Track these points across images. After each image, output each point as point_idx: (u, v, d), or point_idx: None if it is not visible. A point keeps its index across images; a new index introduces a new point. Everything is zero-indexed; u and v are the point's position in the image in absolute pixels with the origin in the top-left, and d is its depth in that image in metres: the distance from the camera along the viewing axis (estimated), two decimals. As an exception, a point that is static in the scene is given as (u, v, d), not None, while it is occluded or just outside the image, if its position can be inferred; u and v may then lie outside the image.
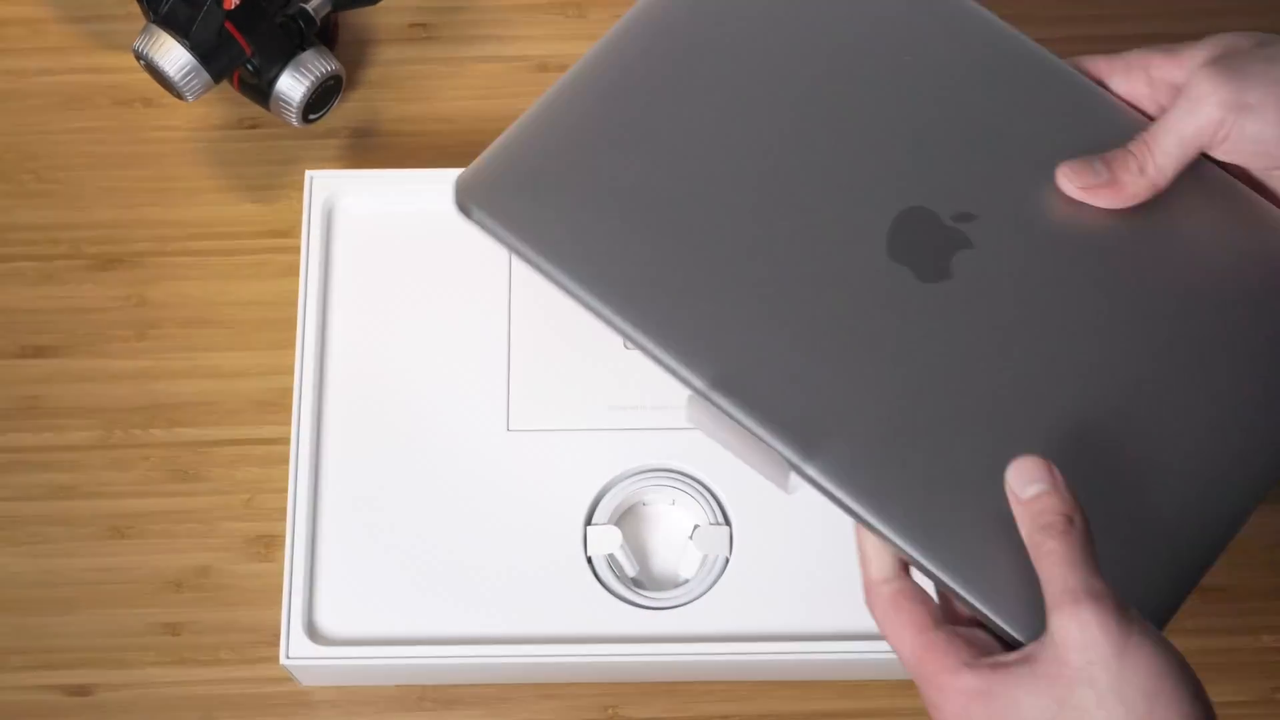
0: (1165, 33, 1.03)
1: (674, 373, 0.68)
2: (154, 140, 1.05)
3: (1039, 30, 1.05)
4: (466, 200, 0.71)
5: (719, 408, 0.66)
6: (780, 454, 0.67)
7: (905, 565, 0.67)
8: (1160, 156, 0.72)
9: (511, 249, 0.69)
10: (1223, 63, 0.71)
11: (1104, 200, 0.72)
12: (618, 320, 0.68)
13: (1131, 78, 0.75)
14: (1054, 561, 0.62)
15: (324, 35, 1.02)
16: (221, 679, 0.94)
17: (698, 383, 0.67)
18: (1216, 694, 0.92)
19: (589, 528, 0.89)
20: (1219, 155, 0.73)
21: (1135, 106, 0.76)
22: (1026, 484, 0.64)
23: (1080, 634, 0.61)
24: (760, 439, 0.67)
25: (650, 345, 0.68)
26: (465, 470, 0.92)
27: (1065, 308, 0.70)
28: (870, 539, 0.67)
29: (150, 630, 0.94)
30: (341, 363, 0.95)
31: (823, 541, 0.90)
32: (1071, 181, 0.72)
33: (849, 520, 0.91)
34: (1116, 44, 1.04)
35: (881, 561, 0.67)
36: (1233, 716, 0.91)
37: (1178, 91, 0.73)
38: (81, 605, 0.95)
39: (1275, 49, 0.71)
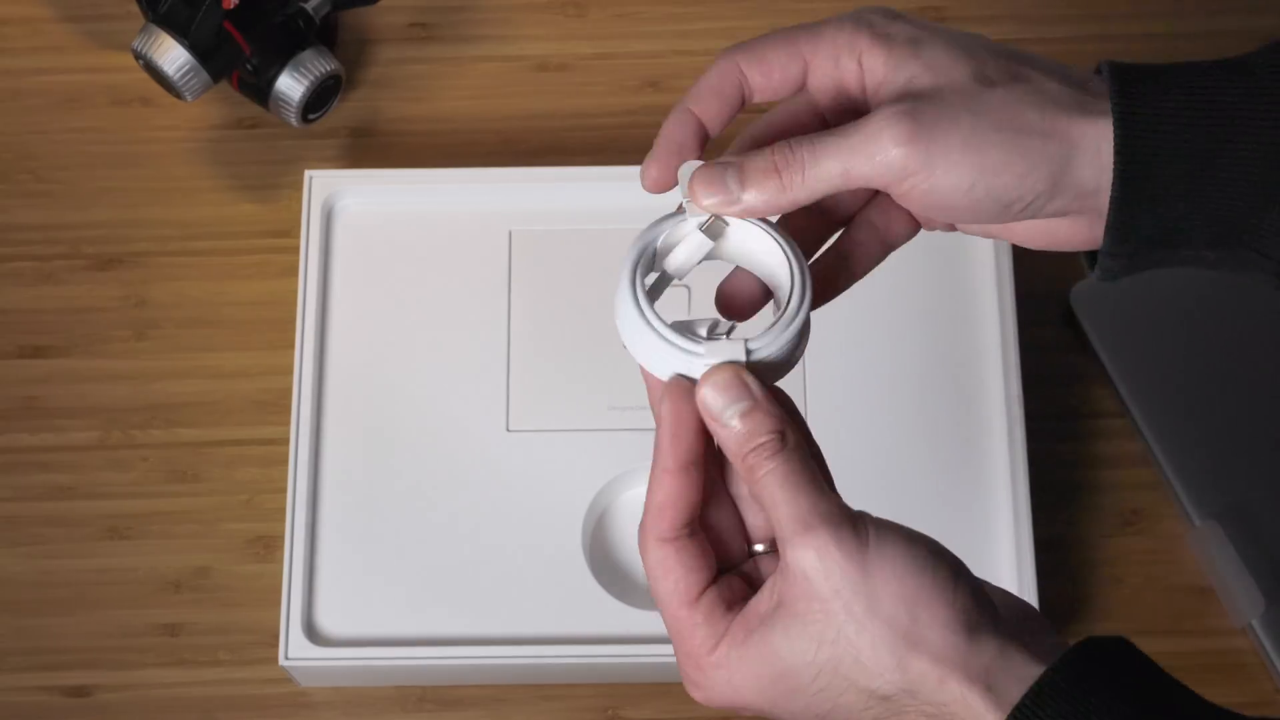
0: (1166, 31, 1.03)
1: None
2: (153, 140, 1.04)
3: (1036, 30, 1.06)
4: None
5: None
6: None
7: (692, 522, 0.60)
8: (814, 181, 0.60)
9: None
10: (916, 111, 0.59)
11: (728, 212, 0.62)
12: None
13: (842, 74, 0.63)
14: (773, 486, 0.58)
15: (323, 35, 1.02)
16: (220, 680, 0.93)
17: None
18: (1217, 694, 0.92)
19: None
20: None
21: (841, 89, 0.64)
22: (725, 406, 0.58)
23: (820, 562, 0.56)
24: None
25: None
26: (465, 471, 0.92)
27: None
28: (668, 482, 0.60)
29: (149, 631, 0.94)
30: (341, 363, 0.95)
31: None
32: (699, 195, 0.61)
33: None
34: (1116, 43, 1.04)
35: (674, 513, 0.60)
36: (1233, 717, 0.91)
37: (884, 72, 0.62)
38: (80, 606, 0.95)
39: (976, 85, 0.60)
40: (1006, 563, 0.90)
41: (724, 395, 0.59)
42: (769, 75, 0.63)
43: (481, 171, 0.98)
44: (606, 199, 0.97)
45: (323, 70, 0.99)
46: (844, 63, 0.62)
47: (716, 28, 1.06)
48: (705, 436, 0.60)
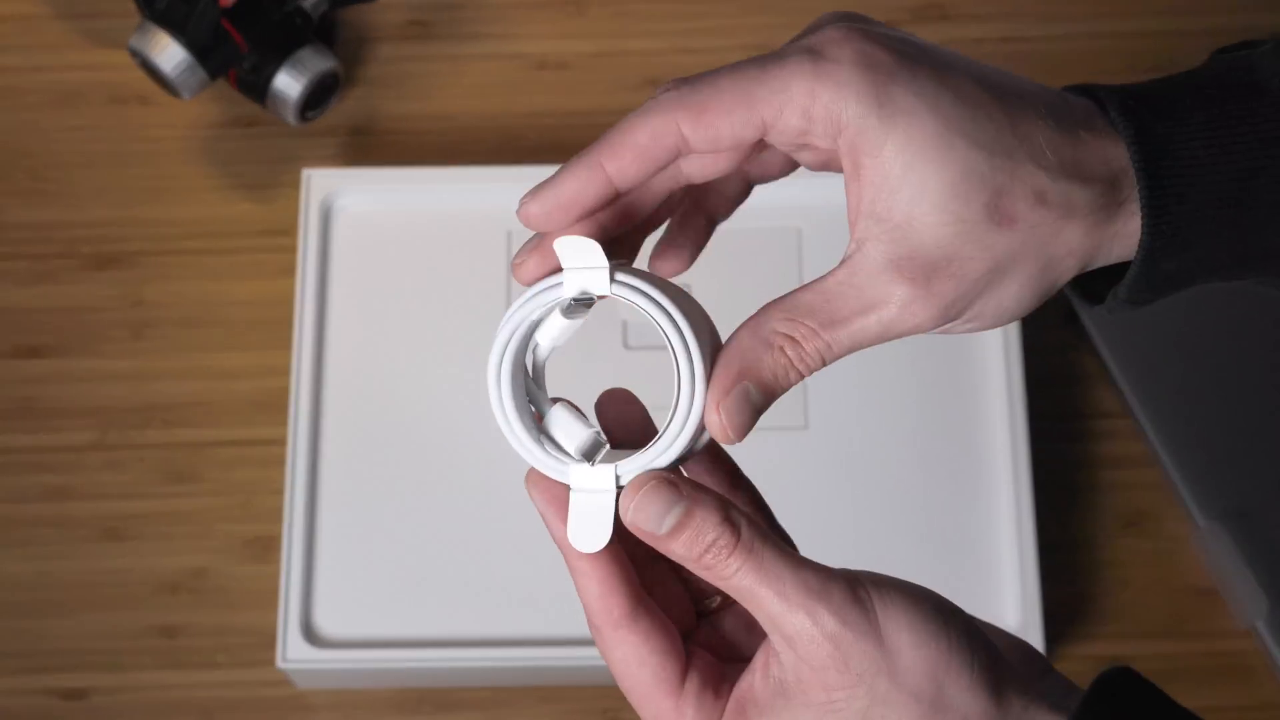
0: (1166, 29, 1.03)
1: None
2: (150, 138, 1.04)
3: (1036, 28, 1.05)
4: None
5: None
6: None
7: (638, 594, 0.54)
8: (835, 356, 0.54)
9: None
10: (920, 265, 0.52)
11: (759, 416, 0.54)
12: None
13: (812, 136, 0.53)
14: (749, 582, 0.52)
15: (322, 33, 1.01)
16: (218, 682, 0.93)
17: None
18: (1219, 696, 0.92)
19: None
20: None
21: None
22: (661, 519, 0.52)
23: (835, 648, 0.51)
24: None
25: None
26: (462, 471, 0.92)
27: None
28: (594, 567, 0.54)
29: (146, 633, 0.94)
30: (339, 363, 0.94)
31: (822, 542, 0.90)
32: (730, 431, 0.53)
33: (848, 521, 0.91)
34: (1115, 40, 1.03)
35: (619, 595, 0.54)
36: (1235, 719, 0.91)
37: (874, 174, 0.52)
38: (77, 608, 0.94)
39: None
40: (1010, 564, 0.89)
41: (647, 511, 0.52)
42: (715, 134, 0.53)
43: (480, 170, 0.98)
44: (606, 198, 0.96)
45: (321, 68, 0.99)
46: (791, 115, 0.52)
47: (716, 26, 1.06)
48: None
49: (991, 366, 0.93)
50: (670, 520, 0.52)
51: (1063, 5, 1.05)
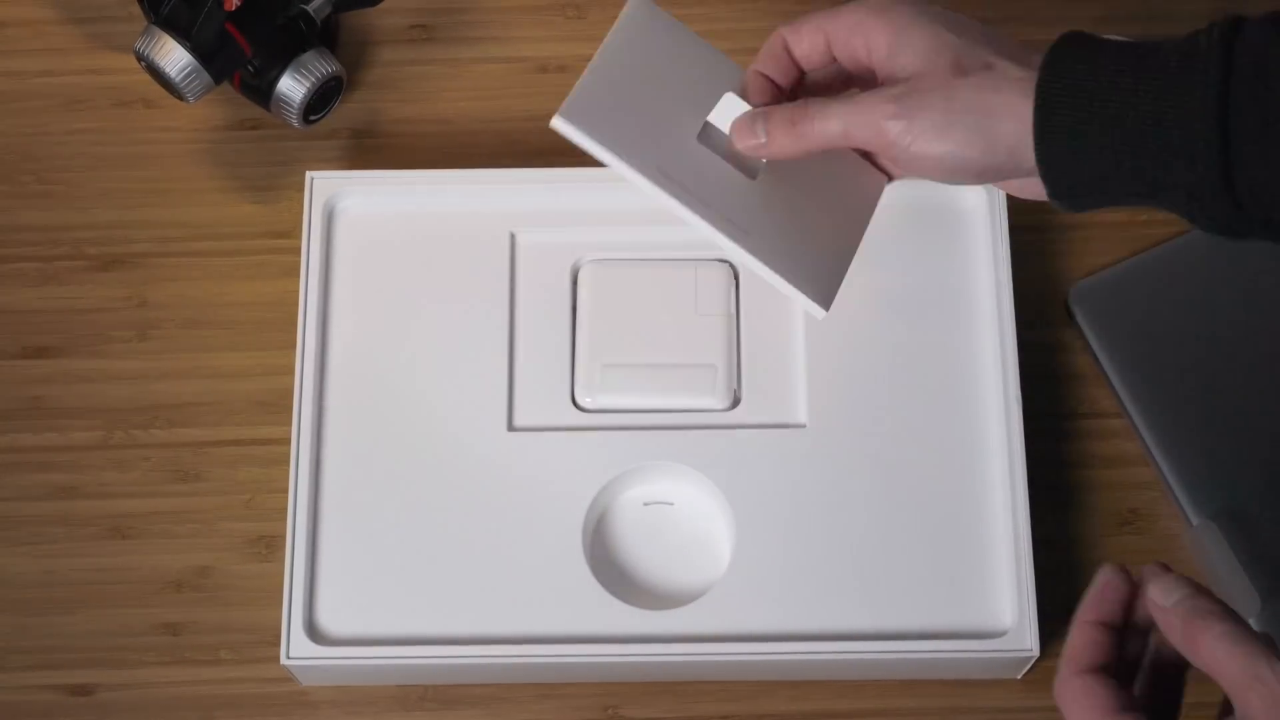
0: (1166, 34, 1.03)
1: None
2: (155, 141, 1.05)
3: (1037, 32, 1.06)
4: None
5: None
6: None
7: (1100, 661, 0.69)
8: (816, 132, 0.77)
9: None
10: (901, 95, 0.75)
11: (759, 154, 0.79)
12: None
13: (851, 44, 0.80)
14: (1228, 643, 0.64)
15: (325, 36, 1.02)
16: (222, 679, 0.94)
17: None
18: (1215, 693, 0.92)
19: None
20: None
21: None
22: (1169, 593, 0.67)
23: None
24: None
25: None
26: (466, 470, 0.93)
27: None
28: (1078, 635, 0.70)
29: (151, 630, 0.95)
30: (342, 363, 0.95)
31: (823, 542, 0.91)
32: (735, 140, 0.79)
33: (843, 518, 0.92)
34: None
35: (1084, 653, 0.69)
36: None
37: (885, 54, 0.77)
38: (82, 605, 0.95)
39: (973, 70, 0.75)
40: (1005, 562, 0.90)
41: (1170, 587, 0.68)
42: (800, 45, 0.80)
43: (482, 173, 0.98)
44: (607, 200, 0.97)
45: (324, 72, 0.99)
46: (855, 40, 0.78)
47: (713, 30, 1.06)
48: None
49: (987, 366, 0.94)
50: (1177, 596, 0.68)
51: (1062, 7, 1.06)
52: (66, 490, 0.97)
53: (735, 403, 0.94)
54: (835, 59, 0.80)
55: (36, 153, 1.04)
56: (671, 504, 0.93)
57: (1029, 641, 0.88)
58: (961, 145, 0.74)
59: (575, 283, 0.97)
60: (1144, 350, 0.96)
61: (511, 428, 0.94)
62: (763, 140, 0.78)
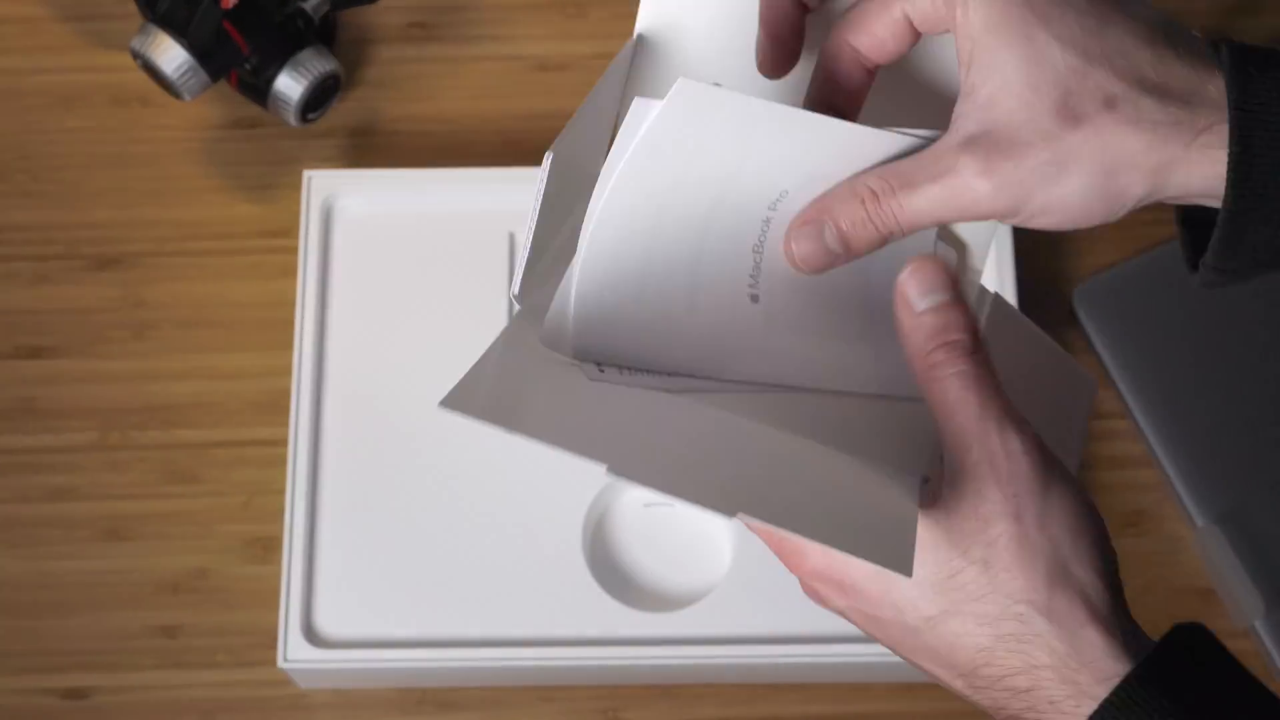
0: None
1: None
2: (151, 140, 1.04)
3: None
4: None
5: None
6: None
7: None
8: (904, 219, 0.58)
9: None
10: (990, 168, 0.56)
11: (828, 266, 0.60)
12: None
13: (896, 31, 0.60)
14: (965, 384, 0.55)
15: (322, 34, 1.02)
16: (219, 682, 0.93)
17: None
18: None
19: None
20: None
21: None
22: (926, 292, 0.57)
23: (1009, 464, 0.54)
24: None
25: None
26: (464, 471, 0.92)
27: None
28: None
29: (147, 633, 0.94)
30: (340, 364, 0.94)
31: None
32: (798, 258, 0.60)
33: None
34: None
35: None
36: (1236, 719, 0.91)
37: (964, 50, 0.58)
38: (78, 608, 0.95)
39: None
40: (1008, 564, 0.90)
41: (923, 280, 0.57)
42: (871, 36, 0.60)
43: (481, 171, 0.98)
44: (606, 199, 0.96)
45: (322, 70, 0.99)
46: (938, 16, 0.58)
47: (717, 27, 1.06)
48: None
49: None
50: (933, 299, 0.56)
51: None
52: (62, 492, 0.97)
53: (736, 403, 0.93)
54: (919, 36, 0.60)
55: (32, 151, 1.04)
56: (672, 506, 0.93)
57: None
58: (1077, 214, 0.57)
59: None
60: (1148, 351, 0.96)
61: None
62: (838, 250, 0.59)
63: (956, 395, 0.56)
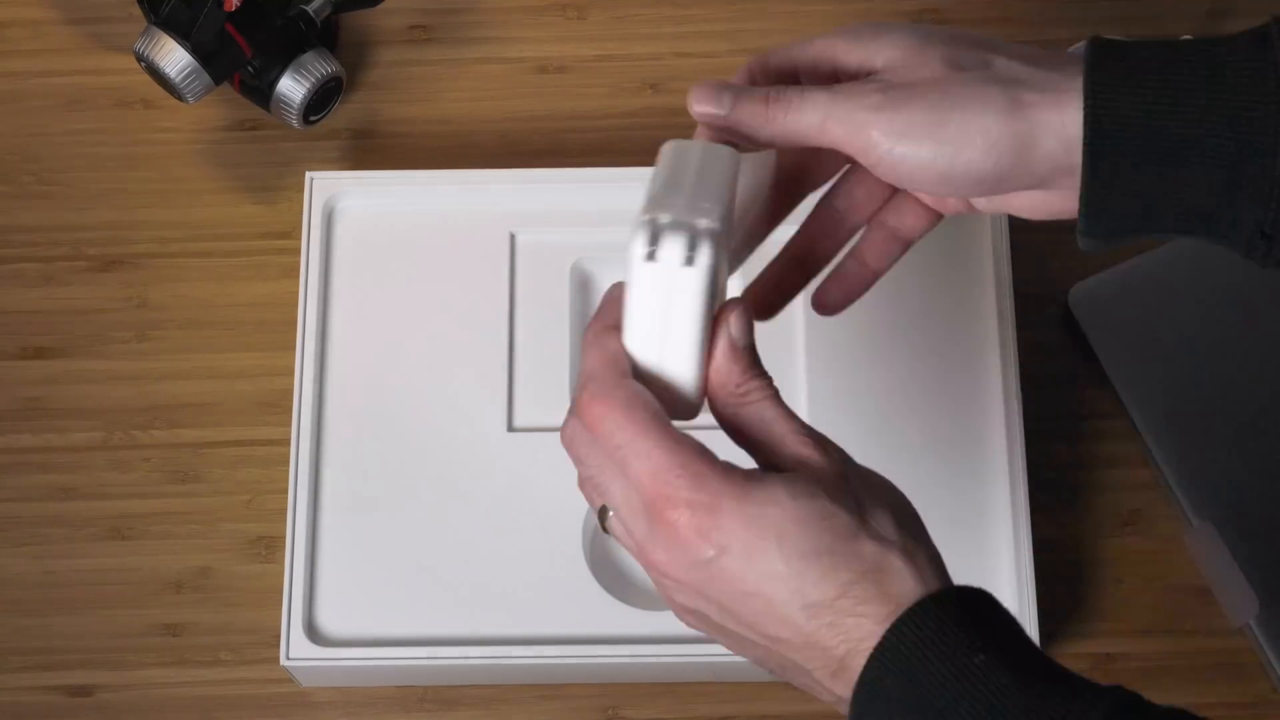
0: (1168, 34, 1.03)
1: None
2: (155, 142, 1.05)
3: (1035, 33, 1.06)
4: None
5: None
6: None
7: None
8: (790, 119, 0.66)
9: None
10: (887, 85, 0.65)
11: (719, 127, 0.67)
12: None
13: (819, 72, 0.69)
14: (778, 405, 0.64)
15: (325, 37, 1.02)
16: (222, 680, 0.94)
17: None
18: (1214, 694, 0.93)
19: None
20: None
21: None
22: (744, 333, 0.65)
23: (836, 450, 0.64)
24: None
25: None
26: (466, 471, 0.92)
27: None
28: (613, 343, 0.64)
29: (151, 631, 0.95)
30: (342, 364, 0.95)
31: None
32: (693, 101, 0.67)
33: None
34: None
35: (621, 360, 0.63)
36: (1231, 717, 0.92)
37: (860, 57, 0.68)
38: (82, 606, 0.95)
39: (956, 74, 0.65)
40: (1005, 563, 0.90)
41: (744, 323, 0.64)
42: (767, 78, 0.70)
43: (482, 173, 0.98)
44: (607, 200, 0.97)
45: (324, 72, 0.99)
46: (821, 67, 0.69)
47: (715, 30, 1.07)
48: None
49: (988, 366, 0.94)
50: (746, 340, 0.64)
51: (1060, 9, 1.06)
52: (66, 491, 0.97)
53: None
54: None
55: (36, 153, 1.04)
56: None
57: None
58: (956, 145, 0.64)
59: (575, 282, 0.97)
60: (1143, 352, 0.96)
61: (511, 428, 0.94)
62: (725, 111, 0.66)
63: (773, 412, 0.63)
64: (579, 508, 0.91)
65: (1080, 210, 0.65)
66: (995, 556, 0.90)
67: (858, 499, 0.62)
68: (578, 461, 0.64)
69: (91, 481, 0.97)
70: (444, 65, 1.06)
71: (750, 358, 0.64)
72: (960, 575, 0.90)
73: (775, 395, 0.64)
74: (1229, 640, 0.93)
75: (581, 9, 1.07)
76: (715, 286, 0.63)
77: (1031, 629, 0.88)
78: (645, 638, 0.89)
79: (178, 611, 0.95)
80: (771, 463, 0.63)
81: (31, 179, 1.04)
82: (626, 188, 0.97)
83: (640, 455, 0.61)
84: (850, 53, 0.68)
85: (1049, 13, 1.06)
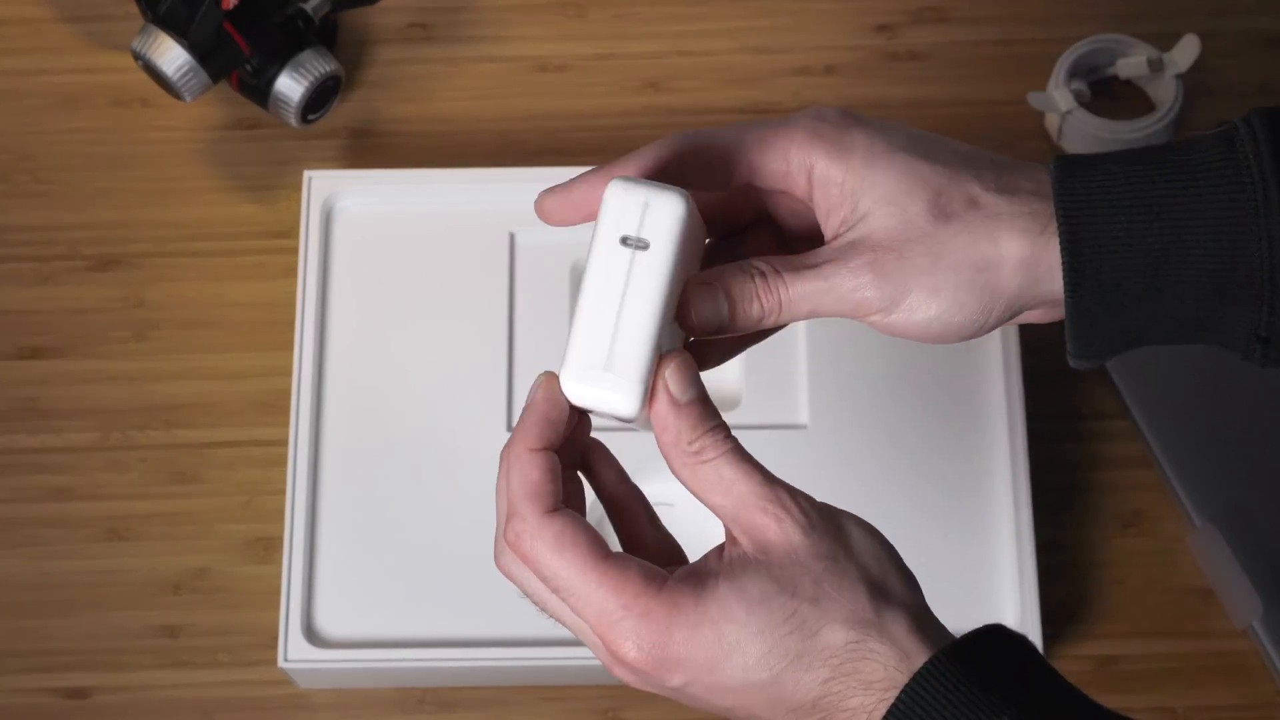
0: (1164, 32, 1.03)
1: None
2: (152, 141, 1.04)
3: (1034, 31, 1.06)
4: None
5: None
6: None
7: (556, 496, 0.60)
8: (788, 316, 0.64)
9: None
10: (878, 262, 0.62)
11: (712, 332, 0.64)
12: None
13: (790, 177, 0.65)
14: (737, 461, 0.60)
15: (323, 35, 1.02)
16: (219, 681, 0.93)
17: None
18: (1216, 696, 0.92)
19: None
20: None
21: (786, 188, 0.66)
22: (686, 387, 0.60)
23: (803, 515, 0.59)
24: None
25: None
26: (465, 472, 0.92)
27: None
28: (533, 467, 0.60)
29: (148, 633, 0.94)
30: (340, 364, 0.95)
31: (823, 543, 0.90)
32: (693, 312, 0.62)
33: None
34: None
35: (543, 491, 0.60)
36: (1233, 719, 0.91)
37: (838, 193, 0.63)
38: (79, 607, 0.95)
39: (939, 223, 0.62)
40: (1008, 564, 0.90)
41: (684, 377, 0.60)
42: (709, 173, 0.64)
43: (481, 172, 0.98)
44: (606, 200, 0.96)
45: (322, 71, 0.99)
46: (794, 167, 0.63)
47: (717, 28, 1.06)
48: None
49: (990, 366, 0.93)
50: (692, 393, 0.60)
51: (1062, 8, 1.05)
52: (63, 492, 0.97)
53: (736, 403, 0.93)
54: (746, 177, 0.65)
55: (33, 152, 1.04)
56: (672, 505, 0.93)
57: (1033, 641, 0.88)
58: (953, 307, 0.62)
59: (575, 282, 0.96)
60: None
61: (511, 428, 0.93)
62: (726, 321, 0.63)
63: (733, 471, 0.60)
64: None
65: (1068, 335, 0.64)
66: (997, 557, 0.90)
67: (819, 578, 0.58)
68: (521, 588, 0.62)
69: (88, 482, 0.97)
70: (443, 64, 1.06)
71: (698, 412, 0.60)
72: (962, 576, 0.90)
73: (734, 449, 0.60)
74: (1232, 642, 0.92)
75: (581, 7, 1.07)
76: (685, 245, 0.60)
77: (1034, 631, 0.88)
78: (645, 639, 0.89)
79: (175, 613, 0.94)
80: (734, 529, 0.60)
81: (28, 178, 1.04)
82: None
83: (582, 600, 0.59)
84: (833, 168, 0.63)
85: (1049, 11, 1.05)
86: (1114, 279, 0.62)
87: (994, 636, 0.58)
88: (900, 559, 0.60)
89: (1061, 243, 0.61)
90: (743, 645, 0.58)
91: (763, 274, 0.62)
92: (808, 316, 0.64)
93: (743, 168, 0.64)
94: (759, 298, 0.62)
